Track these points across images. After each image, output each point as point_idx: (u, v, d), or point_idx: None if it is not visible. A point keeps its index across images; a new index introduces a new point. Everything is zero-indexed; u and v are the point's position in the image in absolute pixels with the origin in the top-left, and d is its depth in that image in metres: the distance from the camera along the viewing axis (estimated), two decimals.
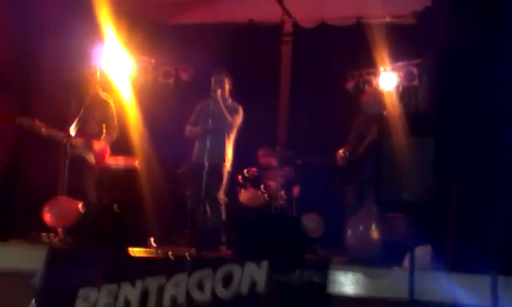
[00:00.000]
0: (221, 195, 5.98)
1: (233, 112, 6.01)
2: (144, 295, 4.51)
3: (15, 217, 6.36)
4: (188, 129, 6.16)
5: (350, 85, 7.64)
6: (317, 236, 6.05)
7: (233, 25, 8.27)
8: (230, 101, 6.07)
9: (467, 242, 4.18)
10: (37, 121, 5.66)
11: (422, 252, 4.41)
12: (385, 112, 5.83)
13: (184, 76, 8.07)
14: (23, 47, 6.47)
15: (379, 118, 5.11)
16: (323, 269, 4.30)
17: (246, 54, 8.22)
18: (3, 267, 4.87)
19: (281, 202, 6.96)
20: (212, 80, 6.06)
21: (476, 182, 3.84)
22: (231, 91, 6.13)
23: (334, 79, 7.81)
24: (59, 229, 5.41)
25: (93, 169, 5.89)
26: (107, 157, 6.07)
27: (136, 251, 4.97)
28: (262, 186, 7.03)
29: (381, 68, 7.34)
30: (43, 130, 5.66)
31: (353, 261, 4.51)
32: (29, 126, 5.67)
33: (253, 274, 4.35)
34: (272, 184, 7.04)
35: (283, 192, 7.03)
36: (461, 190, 4.24)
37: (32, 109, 6.39)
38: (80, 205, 5.33)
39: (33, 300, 4.59)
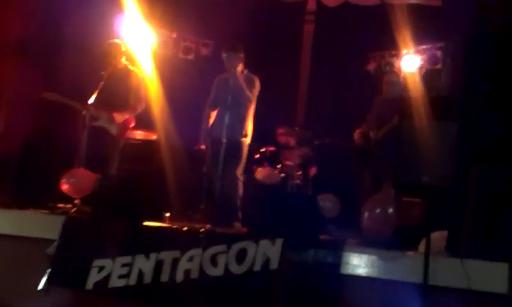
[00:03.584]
0: (239, 171, 5.97)
1: (251, 84, 5.95)
2: (158, 268, 4.54)
3: (33, 186, 6.42)
4: (208, 110, 6.10)
5: (371, 66, 7.56)
6: (333, 217, 6.02)
7: (256, 2, 8.18)
8: (245, 72, 6.00)
9: (485, 228, 4.13)
10: (60, 96, 5.71)
11: (438, 237, 4.37)
12: (407, 95, 5.76)
13: (204, 51, 8.04)
14: (47, 16, 6.49)
15: (400, 101, 5.04)
16: (337, 250, 4.29)
17: (267, 31, 8.15)
18: (20, 235, 4.94)
19: (297, 181, 6.94)
20: (225, 57, 5.96)
21: (497, 167, 3.78)
22: (245, 64, 6.06)
23: (355, 60, 7.73)
24: (76, 200, 5.46)
25: (115, 141, 5.92)
26: (129, 129, 6.09)
27: (151, 224, 5.00)
28: (278, 165, 7.01)
29: (404, 51, 7.23)
30: (67, 102, 5.72)
31: (368, 244, 4.49)
32: (54, 100, 5.73)
33: (267, 251, 4.35)
34: (289, 163, 7.02)
35: (299, 172, 7.01)
36: (482, 175, 4.17)
37: (56, 78, 6.44)
38: (97, 176, 5.36)
39: (48, 268, 4.66)
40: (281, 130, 7.21)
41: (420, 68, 7.21)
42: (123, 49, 6.15)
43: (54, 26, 6.62)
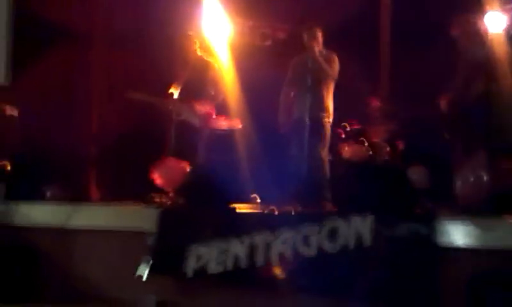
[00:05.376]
0: (324, 151, 5.96)
1: (330, 62, 5.93)
2: (253, 251, 4.64)
3: (129, 181, 6.71)
4: (285, 90, 6.15)
5: (455, 31, 7.23)
6: (424, 189, 5.88)
7: None
8: (324, 51, 5.99)
9: None
10: (145, 94, 5.93)
11: None
12: (493, 56, 5.50)
13: (282, 36, 8.01)
14: (131, 10, 6.75)
15: (485, 63, 4.84)
16: (431, 221, 4.21)
17: (343, 7, 8.01)
18: (120, 227, 5.18)
19: (385, 157, 6.83)
20: (305, 35, 5.99)
21: None
22: (324, 42, 6.04)
23: (438, 26, 7.43)
24: (170, 191, 5.65)
25: (199, 132, 6.08)
26: (212, 119, 6.24)
27: (243, 210, 5.09)
28: (365, 142, 6.92)
29: (489, 11, 6.88)
30: (151, 100, 5.94)
31: (463, 212, 4.36)
32: (139, 99, 5.97)
33: (359, 228, 4.34)
34: (376, 139, 6.91)
35: (387, 147, 6.89)
36: None
37: (139, 71, 6.67)
38: (187, 166, 5.53)
39: (149, 257, 4.86)
40: (375, 103, 7.13)
41: (508, 27, 6.85)
42: (198, 41, 6.29)
43: (139, 19, 6.86)
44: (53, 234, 5.28)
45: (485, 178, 4.32)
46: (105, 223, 5.25)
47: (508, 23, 6.84)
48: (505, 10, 6.84)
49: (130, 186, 6.31)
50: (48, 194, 5.89)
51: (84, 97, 6.84)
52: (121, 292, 5.00)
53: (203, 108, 6.08)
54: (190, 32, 6.37)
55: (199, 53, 6.30)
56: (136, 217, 5.23)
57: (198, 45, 6.30)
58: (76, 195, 5.80)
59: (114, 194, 6.30)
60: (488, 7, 6.76)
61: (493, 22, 6.84)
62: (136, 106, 6.19)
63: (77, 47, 6.57)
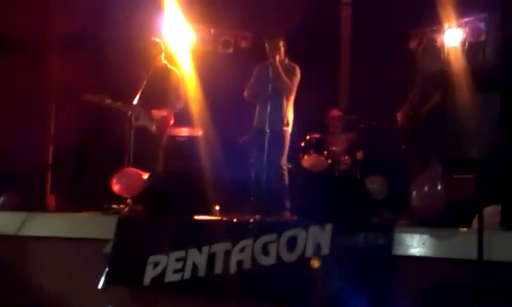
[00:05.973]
0: (284, 161, 6.00)
1: (291, 73, 5.98)
2: (211, 261, 4.61)
3: (86, 188, 6.61)
4: (247, 93, 6.21)
5: (413, 44, 7.40)
6: (382, 199, 5.97)
7: None
8: (286, 61, 6.04)
9: None
10: (103, 97, 5.86)
11: (492, 212, 4.28)
12: (449, 69, 5.64)
13: (244, 44, 8.04)
14: (91, 14, 6.68)
15: (442, 76, 4.95)
16: (388, 231, 4.25)
17: (305, 18, 8.08)
18: (76, 236, 5.09)
19: (344, 166, 6.91)
20: (267, 45, 6.03)
21: None
22: (286, 52, 6.09)
23: (396, 39, 7.59)
24: (128, 199, 5.58)
25: (156, 138, 6.04)
26: (169, 126, 6.20)
27: (202, 218, 5.07)
28: (324, 151, 6.98)
29: (446, 25, 7.05)
30: (110, 104, 5.86)
31: (419, 223, 4.43)
32: (97, 102, 5.88)
33: (317, 237, 4.35)
34: (336, 149, 6.99)
35: (346, 157, 6.97)
36: None
37: (99, 75, 6.60)
38: (146, 174, 5.48)
39: (106, 267, 4.79)
40: (336, 114, 7.20)
41: (463, 41, 7.03)
42: (162, 48, 6.26)
43: (97, 23, 6.79)
44: (7, 243, 5.15)
45: (439, 188, 4.40)
46: (61, 231, 5.15)
47: (464, 36, 7.03)
48: (461, 24, 7.02)
49: (87, 193, 6.22)
50: (1, 201, 5.74)
51: (40, 102, 6.70)
52: (77, 302, 4.90)
53: (159, 113, 6.04)
54: (155, 39, 6.32)
55: (162, 60, 6.25)
56: (94, 225, 5.14)
57: (162, 51, 6.26)
58: (31, 202, 5.66)
59: (70, 201, 6.18)
60: (444, 21, 6.93)
61: (450, 36, 7.03)
62: (93, 112, 6.11)
63: (33, 50, 6.44)
